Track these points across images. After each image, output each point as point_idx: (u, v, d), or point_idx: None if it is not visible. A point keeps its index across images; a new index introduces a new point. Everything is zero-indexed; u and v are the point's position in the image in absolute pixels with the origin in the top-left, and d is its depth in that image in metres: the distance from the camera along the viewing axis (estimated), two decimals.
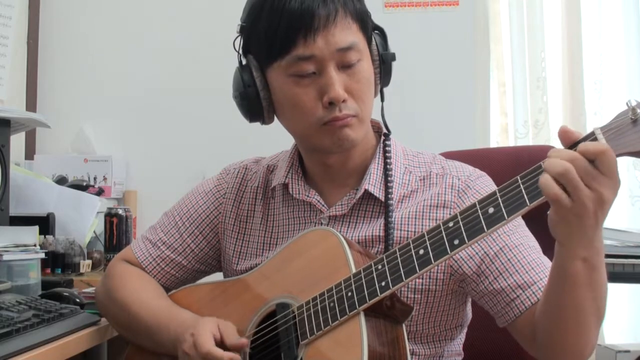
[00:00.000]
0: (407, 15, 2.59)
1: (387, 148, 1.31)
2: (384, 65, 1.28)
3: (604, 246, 1.04)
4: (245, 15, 1.27)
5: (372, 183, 1.27)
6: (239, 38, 1.29)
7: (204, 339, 1.17)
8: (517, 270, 1.19)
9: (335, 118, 1.21)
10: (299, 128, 1.28)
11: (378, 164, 1.30)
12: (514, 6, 2.68)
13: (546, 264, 1.20)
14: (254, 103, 1.27)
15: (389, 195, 1.26)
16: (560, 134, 0.99)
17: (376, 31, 1.29)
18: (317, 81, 1.21)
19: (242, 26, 1.27)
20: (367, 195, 1.28)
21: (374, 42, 1.27)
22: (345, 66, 1.21)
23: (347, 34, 1.21)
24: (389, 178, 1.28)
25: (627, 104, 0.95)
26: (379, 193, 1.27)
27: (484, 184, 1.28)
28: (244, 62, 1.29)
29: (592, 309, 1.07)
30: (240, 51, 1.29)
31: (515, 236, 1.22)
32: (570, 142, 0.98)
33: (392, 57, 1.29)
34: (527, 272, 1.19)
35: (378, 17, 1.30)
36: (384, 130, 1.33)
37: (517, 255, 1.20)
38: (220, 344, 1.17)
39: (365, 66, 1.24)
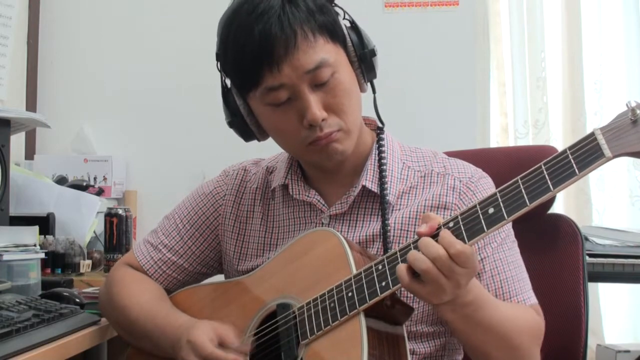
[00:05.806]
0: (407, 15, 2.58)
1: (380, 142, 1.31)
2: (364, 63, 1.24)
3: (475, 296, 1.09)
4: (217, 44, 1.25)
5: (369, 179, 1.27)
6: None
7: (201, 342, 1.17)
8: (491, 283, 1.22)
9: (318, 138, 1.20)
10: (287, 149, 1.30)
11: (374, 159, 1.30)
12: (514, 6, 2.69)
13: (521, 278, 1.25)
14: (245, 129, 1.29)
15: (384, 192, 1.26)
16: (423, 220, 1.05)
17: (351, 27, 1.24)
18: (294, 105, 1.19)
19: (217, 54, 1.26)
20: (366, 191, 1.28)
21: (349, 44, 1.23)
22: (319, 84, 1.18)
23: (312, 53, 1.16)
24: (384, 173, 1.28)
25: (627, 104, 0.95)
26: (376, 188, 1.27)
27: (486, 186, 1.28)
28: (228, 84, 1.28)
29: (491, 346, 1.13)
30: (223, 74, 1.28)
31: (502, 248, 1.25)
32: (433, 229, 1.04)
33: (372, 53, 1.25)
34: (501, 287, 1.23)
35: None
36: (379, 125, 1.33)
37: (497, 267, 1.23)
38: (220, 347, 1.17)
39: (342, 77, 1.20)
